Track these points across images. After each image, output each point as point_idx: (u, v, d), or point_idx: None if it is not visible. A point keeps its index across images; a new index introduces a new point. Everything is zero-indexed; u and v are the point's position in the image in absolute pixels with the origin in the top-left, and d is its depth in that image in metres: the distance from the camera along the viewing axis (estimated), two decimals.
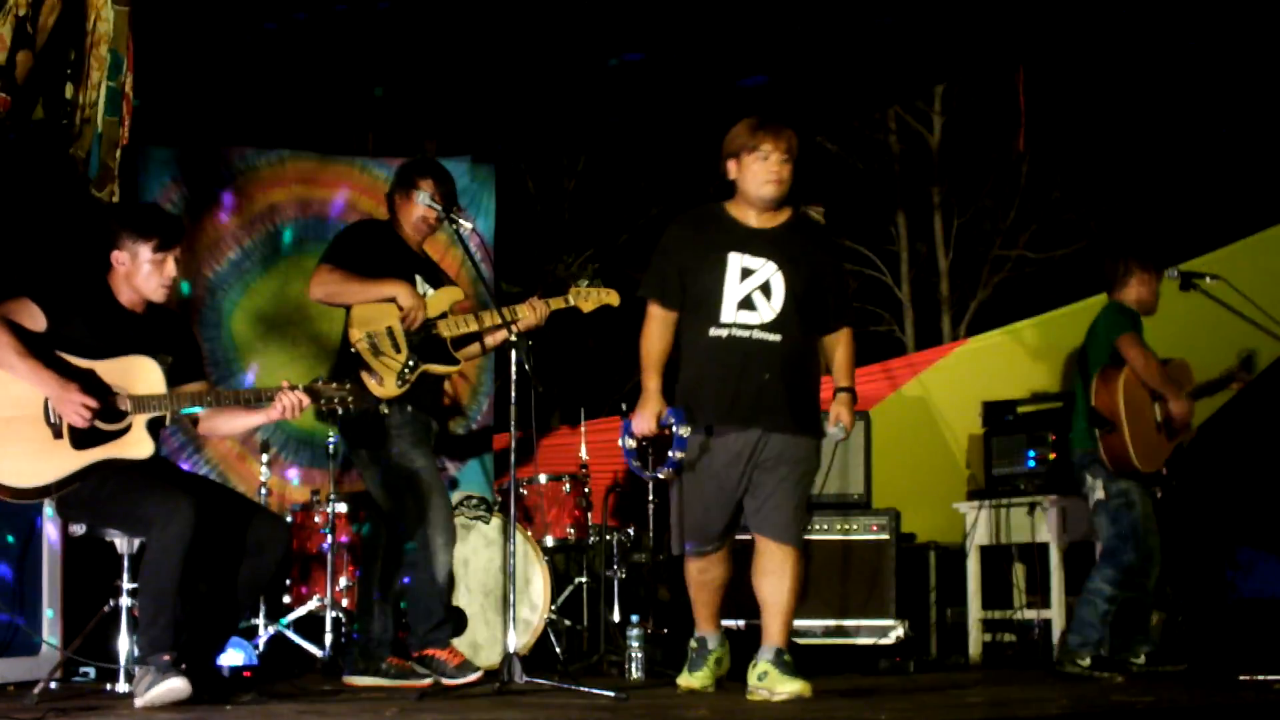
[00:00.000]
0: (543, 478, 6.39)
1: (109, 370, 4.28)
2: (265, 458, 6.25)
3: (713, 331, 4.51)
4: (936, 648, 6.77)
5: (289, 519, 6.13)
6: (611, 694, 4.43)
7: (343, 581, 5.99)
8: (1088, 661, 5.65)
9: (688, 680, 4.70)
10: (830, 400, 4.62)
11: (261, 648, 5.80)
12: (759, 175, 4.52)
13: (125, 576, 4.58)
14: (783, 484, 4.48)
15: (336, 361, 5.17)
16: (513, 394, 4.80)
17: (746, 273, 4.51)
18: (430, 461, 5.13)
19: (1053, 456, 6.64)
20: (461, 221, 5.18)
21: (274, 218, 7.07)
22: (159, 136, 6.72)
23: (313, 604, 5.95)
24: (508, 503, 4.83)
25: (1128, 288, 5.77)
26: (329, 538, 5.93)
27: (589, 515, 6.45)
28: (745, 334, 4.49)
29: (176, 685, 4.05)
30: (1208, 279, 5.59)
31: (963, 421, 7.34)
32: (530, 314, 5.21)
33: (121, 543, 4.52)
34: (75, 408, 4.14)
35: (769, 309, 4.50)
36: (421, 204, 5.18)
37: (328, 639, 5.87)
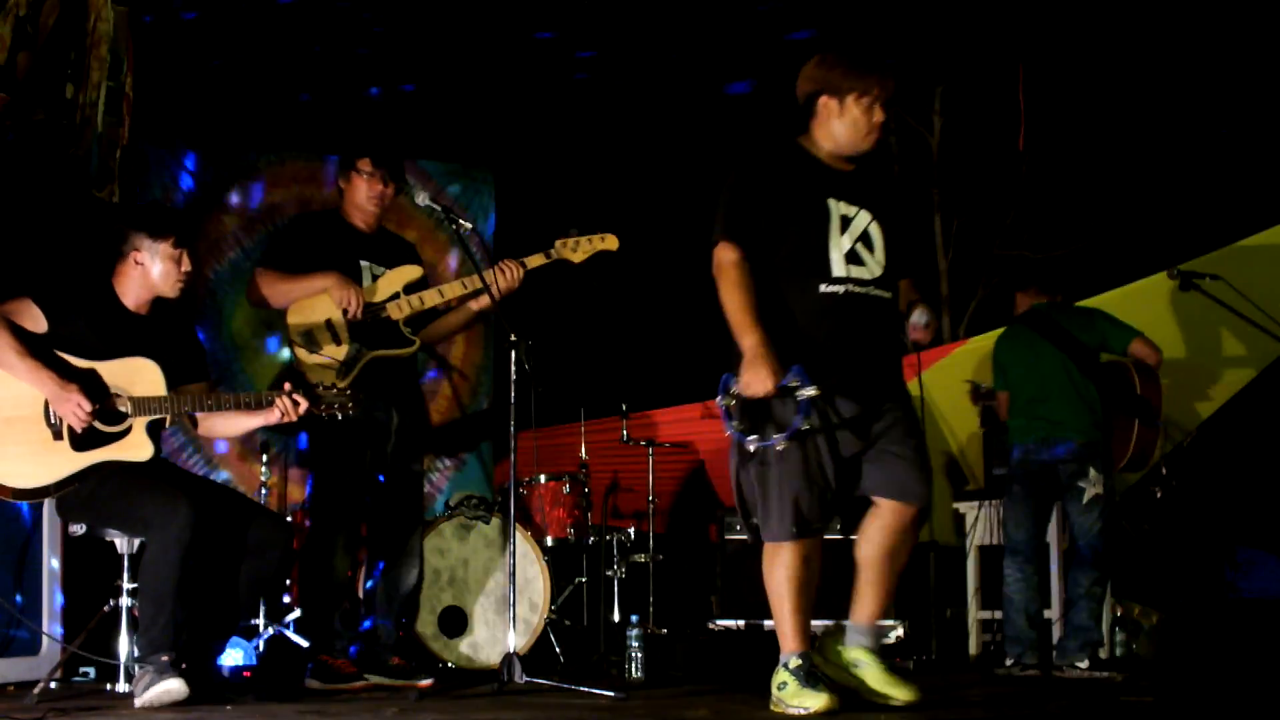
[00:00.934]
0: (543, 478, 6.38)
1: (110, 371, 4.28)
2: (265, 458, 6.24)
3: (824, 288, 3.98)
4: (936, 648, 6.76)
5: (289, 519, 6.13)
6: (611, 694, 4.43)
7: None
8: (1086, 664, 5.68)
9: (815, 699, 3.85)
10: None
11: (261, 648, 5.80)
12: (862, 125, 4.01)
13: (125, 576, 4.59)
14: (914, 445, 4.12)
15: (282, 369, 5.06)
16: (512, 394, 4.78)
17: (845, 222, 4.03)
18: (358, 456, 4.98)
19: None
20: (461, 221, 5.14)
21: (274, 218, 7.06)
22: (159, 137, 6.72)
23: (301, 607, 5.94)
24: (508, 503, 4.82)
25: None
26: None
27: (589, 515, 6.45)
28: (862, 290, 4.01)
29: (174, 687, 4.05)
30: (1208, 279, 5.59)
31: (963, 421, 7.34)
32: (501, 276, 5.00)
33: (121, 543, 4.53)
34: (73, 409, 4.14)
35: (875, 263, 4.04)
36: (422, 204, 5.15)
37: None
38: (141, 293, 4.44)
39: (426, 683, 4.91)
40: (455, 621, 5.86)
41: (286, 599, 6.06)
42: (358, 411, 4.57)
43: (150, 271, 4.42)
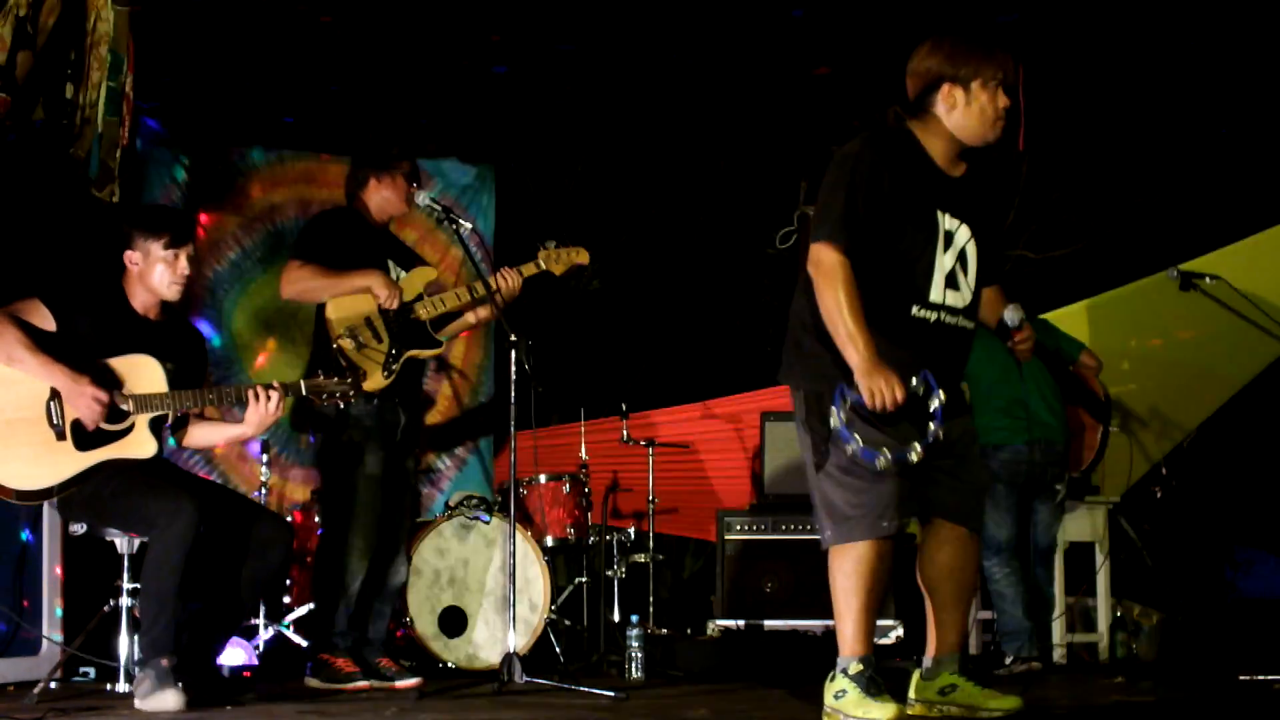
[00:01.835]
0: (543, 478, 6.38)
1: (112, 369, 4.28)
2: (265, 458, 6.25)
3: (917, 311, 3.68)
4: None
5: (289, 519, 6.13)
6: (611, 694, 4.44)
7: None
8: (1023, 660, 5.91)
9: (881, 709, 3.59)
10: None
11: (261, 648, 5.80)
12: (989, 112, 3.69)
13: (125, 576, 4.59)
14: (977, 468, 3.97)
15: (311, 360, 5.03)
16: (512, 394, 4.79)
17: (949, 238, 3.71)
18: (379, 459, 5.00)
19: None
20: (462, 221, 5.15)
21: (274, 218, 7.07)
22: (159, 136, 6.73)
23: (313, 604, 5.94)
24: (508, 503, 4.82)
25: None
26: None
27: (589, 515, 6.45)
28: (952, 320, 3.75)
29: (170, 699, 4.06)
30: (1208, 279, 5.60)
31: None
32: (503, 283, 5.05)
33: (121, 543, 4.53)
34: (88, 401, 4.14)
35: (967, 288, 3.75)
36: (422, 204, 5.16)
37: None
38: (145, 296, 4.44)
39: (413, 683, 4.89)
40: (455, 621, 5.86)
41: (286, 599, 6.06)
42: (359, 400, 4.57)
43: (146, 273, 4.42)
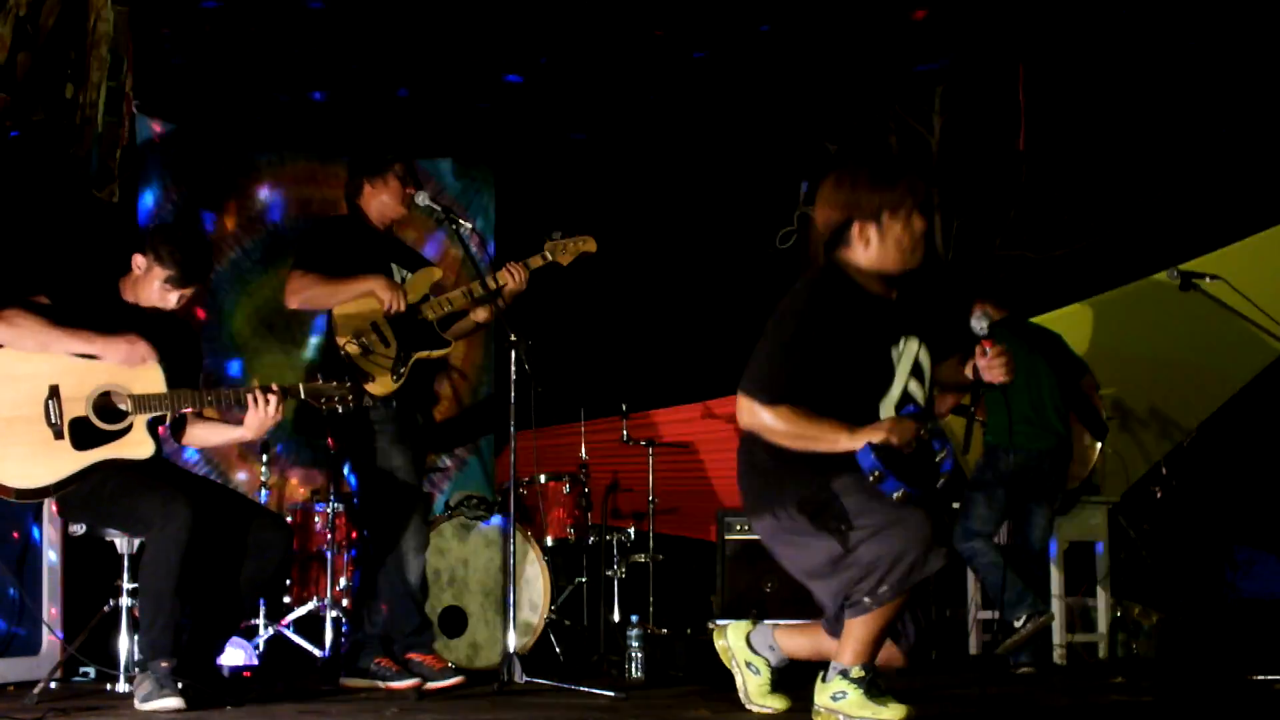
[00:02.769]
0: (543, 478, 6.38)
1: (109, 368, 4.28)
2: (265, 458, 6.24)
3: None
4: (936, 648, 6.76)
5: (288, 519, 6.13)
6: (611, 694, 4.44)
7: (342, 582, 5.99)
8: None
9: (891, 710, 3.61)
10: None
11: (261, 648, 5.80)
12: (906, 242, 3.70)
13: (125, 576, 4.59)
14: None
15: (322, 367, 5.01)
16: (512, 394, 4.79)
17: (901, 360, 3.76)
18: (409, 461, 5.04)
19: None
20: (462, 221, 5.15)
21: (274, 218, 7.06)
22: (159, 136, 6.72)
23: (313, 604, 5.95)
24: (508, 503, 4.82)
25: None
26: (329, 538, 5.93)
27: (589, 515, 6.45)
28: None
29: (171, 704, 4.07)
30: (1208, 279, 5.60)
31: (963, 421, 7.34)
32: (510, 279, 5.07)
33: (121, 543, 4.53)
34: (135, 350, 4.19)
35: (921, 393, 3.78)
36: (422, 204, 5.15)
37: (328, 639, 5.87)
38: (133, 297, 4.47)
39: (409, 684, 4.89)
40: (455, 621, 5.86)
41: (286, 599, 6.06)
42: (358, 404, 4.58)
43: (141, 281, 4.46)
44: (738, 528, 6.49)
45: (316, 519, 6.10)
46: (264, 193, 7.05)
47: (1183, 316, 6.78)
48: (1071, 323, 7.07)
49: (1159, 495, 7.36)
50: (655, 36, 6.49)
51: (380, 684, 4.93)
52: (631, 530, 6.84)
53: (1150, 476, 7.63)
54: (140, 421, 4.28)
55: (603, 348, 8.58)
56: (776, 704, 3.99)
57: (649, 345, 8.71)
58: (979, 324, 3.82)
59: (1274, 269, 6.47)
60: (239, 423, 4.48)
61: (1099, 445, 6.43)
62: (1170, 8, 6.34)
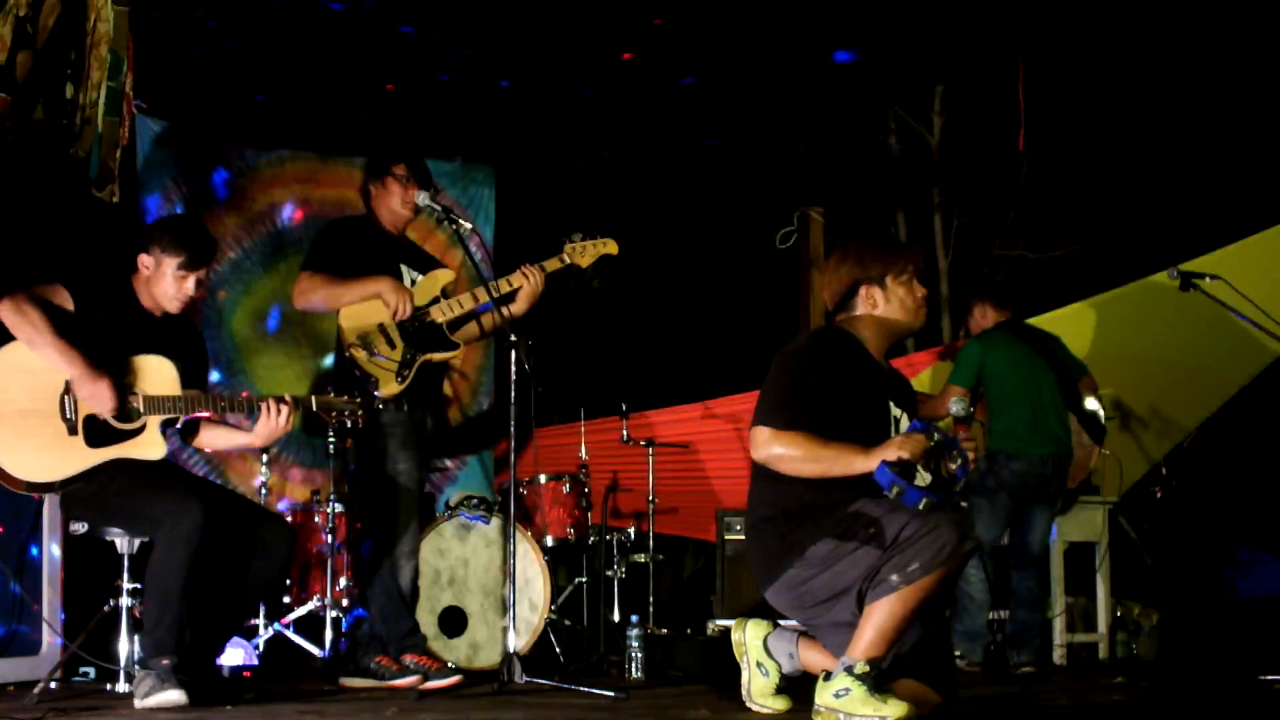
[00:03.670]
0: (543, 478, 6.38)
1: (126, 367, 4.29)
2: (265, 458, 6.24)
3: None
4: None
5: (288, 519, 6.12)
6: (611, 694, 4.44)
7: (342, 582, 5.99)
8: (1033, 666, 6.02)
9: (892, 708, 3.60)
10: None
11: (261, 648, 5.80)
12: (909, 302, 3.97)
13: (126, 576, 4.59)
14: None
15: (335, 367, 5.11)
16: (512, 394, 4.79)
17: (896, 425, 3.95)
18: (414, 465, 5.04)
19: None
20: (462, 221, 5.14)
21: (274, 218, 7.06)
22: (160, 136, 6.72)
23: (313, 604, 5.95)
24: (508, 503, 4.82)
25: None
26: (329, 538, 5.93)
27: (589, 515, 6.45)
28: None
29: (173, 697, 4.07)
30: (1208, 279, 5.60)
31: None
32: (524, 282, 5.05)
33: (122, 543, 4.53)
34: (98, 398, 4.16)
35: None
36: (421, 204, 5.15)
37: (327, 639, 5.87)
38: (148, 298, 4.47)
39: (410, 681, 4.89)
40: (455, 621, 5.86)
41: (286, 599, 6.06)
42: (367, 418, 4.58)
43: (153, 280, 4.45)
44: (737, 528, 6.49)
45: (316, 519, 6.10)
46: (264, 192, 7.05)
47: (1183, 316, 6.78)
48: (1071, 323, 7.06)
49: (1159, 495, 7.37)
50: (653, 35, 6.49)
51: (381, 682, 4.94)
52: (631, 530, 6.85)
53: (1150, 476, 7.63)
54: (153, 422, 4.29)
55: (603, 348, 8.59)
56: (778, 705, 4.00)
57: (649, 345, 8.72)
58: (958, 406, 4.20)
59: (1274, 269, 6.47)
60: (240, 427, 4.49)
61: (1096, 449, 6.44)
62: (1170, 8, 6.34)
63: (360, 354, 4.89)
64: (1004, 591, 6.43)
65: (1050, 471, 6.11)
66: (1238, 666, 6.05)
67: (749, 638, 4.09)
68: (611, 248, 5.24)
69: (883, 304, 3.96)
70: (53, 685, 4.67)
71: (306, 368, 6.88)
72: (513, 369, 4.79)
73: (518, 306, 5.09)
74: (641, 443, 6.72)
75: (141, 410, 4.27)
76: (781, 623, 4.12)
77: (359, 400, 4.49)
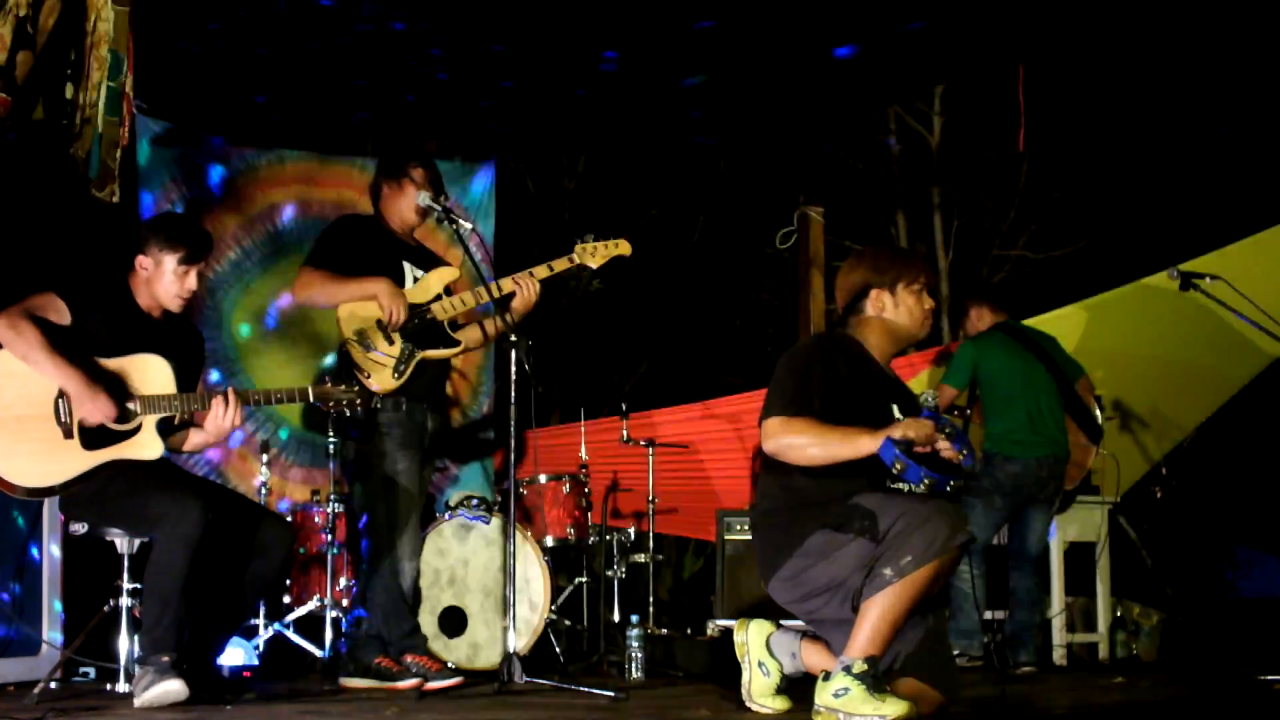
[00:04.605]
0: (543, 478, 6.38)
1: (120, 369, 4.30)
2: (265, 458, 6.25)
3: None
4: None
5: (288, 519, 6.12)
6: (611, 694, 4.44)
7: (342, 582, 5.99)
8: (1034, 666, 6.04)
9: (892, 706, 3.59)
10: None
11: (261, 648, 5.80)
12: (917, 312, 4.04)
13: (125, 576, 4.59)
14: None
15: (336, 361, 5.14)
16: (512, 394, 4.79)
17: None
18: (413, 465, 5.04)
19: None
20: (461, 221, 5.14)
21: (274, 218, 7.07)
22: (159, 136, 6.73)
23: (312, 604, 5.95)
24: (508, 503, 4.82)
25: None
26: (329, 538, 5.93)
27: (589, 515, 6.45)
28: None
29: (173, 688, 4.07)
30: (1208, 279, 5.60)
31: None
32: (517, 290, 5.02)
33: (121, 543, 4.53)
34: (97, 411, 4.16)
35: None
36: (422, 204, 5.15)
37: (327, 639, 5.87)
38: (147, 299, 4.47)
39: (411, 684, 4.89)
40: (455, 621, 5.86)
41: (286, 599, 6.07)
42: (366, 408, 4.58)
43: (153, 280, 4.45)
44: (738, 528, 6.49)
45: (316, 519, 6.10)
46: (263, 193, 7.06)
47: (1183, 317, 6.79)
48: (1070, 323, 7.07)
49: (1159, 495, 7.37)
50: (653, 35, 6.48)
51: (381, 683, 4.94)
52: (631, 530, 6.85)
53: (1150, 476, 7.63)
54: (149, 422, 4.29)
55: (603, 348, 8.59)
56: (778, 705, 4.00)
57: (649, 345, 8.73)
58: (927, 397, 4.06)
59: (1274, 269, 6.47)
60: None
61: (1094, 449, 6.44)
62: (1170, 8, 6.34)
63: (356, 349, 4.90)
64: (1002, 592, 6.44)
65: (1047, 474, 6.12)
66: (1238, 666, 6.05)
67: (752, 637, 4.10)
68: (624, 249, 5.23)
69: (891, 309, 4.02)
70: (53, 685, 4.67)
71: (306, 367, 6.89)
72: (513, 369, 4.79)
73: (513, 314, 5.07)
74: (641, 443, 6.72)
75: (137, 411, 4.27)
76: (785, 623, 4.12)
77: (357, 389, 4.48)
